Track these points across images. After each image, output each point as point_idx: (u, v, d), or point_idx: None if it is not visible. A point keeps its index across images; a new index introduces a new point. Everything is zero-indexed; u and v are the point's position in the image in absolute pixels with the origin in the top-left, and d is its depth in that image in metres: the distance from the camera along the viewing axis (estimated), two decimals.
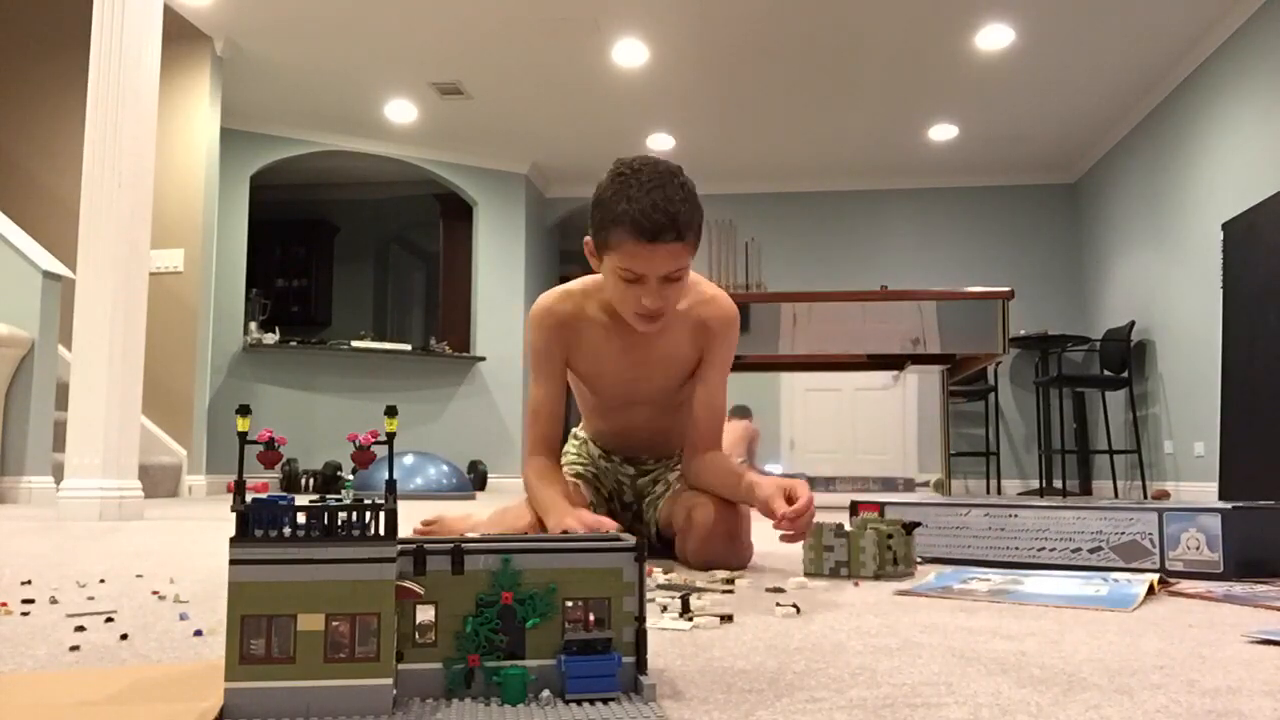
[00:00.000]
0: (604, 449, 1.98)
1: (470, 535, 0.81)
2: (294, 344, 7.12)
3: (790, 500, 1.52)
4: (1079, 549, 1.65)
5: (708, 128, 7.21)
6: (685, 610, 1.14)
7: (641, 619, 0.71)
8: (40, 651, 0.90)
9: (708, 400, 1.79)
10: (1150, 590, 1.31)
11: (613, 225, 1.56)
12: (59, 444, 4.45)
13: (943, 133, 7.20)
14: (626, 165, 1.60)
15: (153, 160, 3.42)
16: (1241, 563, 1.52)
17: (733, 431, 2.24)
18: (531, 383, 1.81)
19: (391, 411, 0.68)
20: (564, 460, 1.95)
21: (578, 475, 1.93)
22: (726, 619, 1.11)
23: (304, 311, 9.12)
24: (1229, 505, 1.54)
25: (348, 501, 0.65)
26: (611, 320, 1.76)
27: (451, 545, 0.70)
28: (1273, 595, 1.32)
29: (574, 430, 2.07)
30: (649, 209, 1.52)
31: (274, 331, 7.19)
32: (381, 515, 0.65)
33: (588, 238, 1.67)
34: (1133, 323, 6.69)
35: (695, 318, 1.77)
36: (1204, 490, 5.69)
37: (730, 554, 1.68)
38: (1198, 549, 1.54)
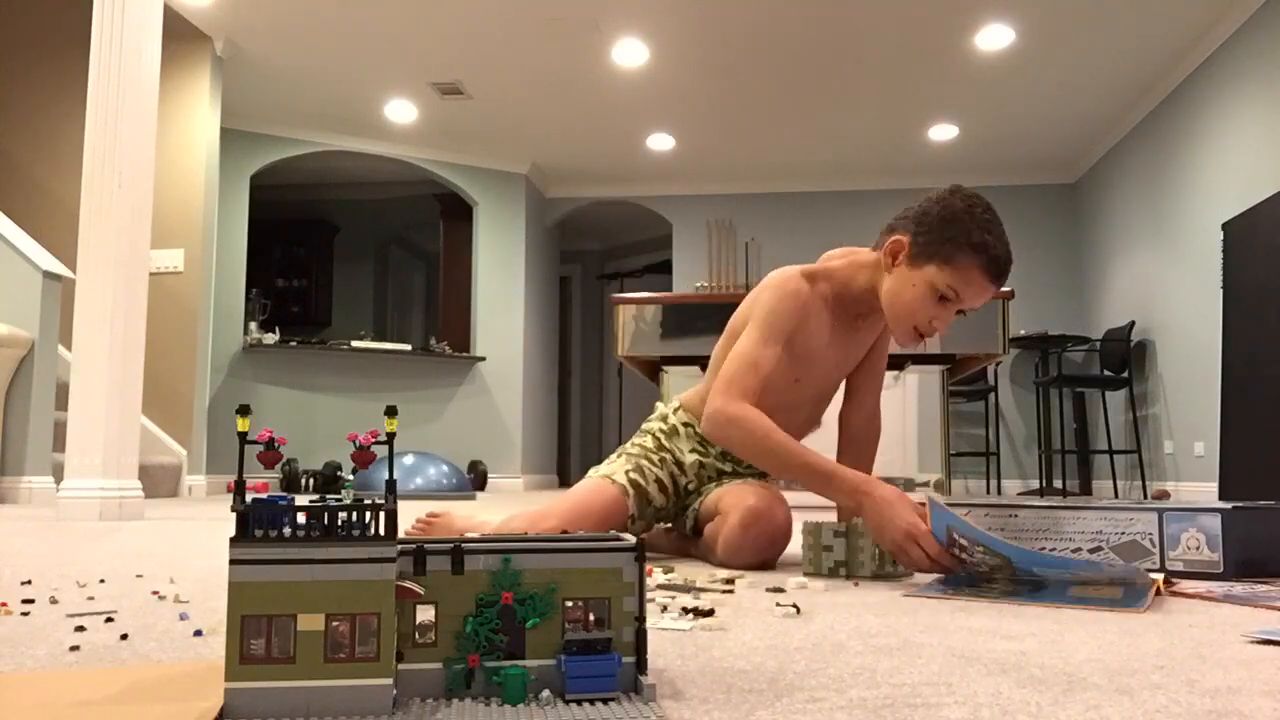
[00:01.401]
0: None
1: (470, 535, 0.81)
2: (294, 344, 7.12)
3: (920, 546, 1.45)
4: (1079, 549, 1.65)
5: (708, 128, 7.21)
6: (689, 613, 1.14)
7: (641, 619, 0.71)
8: (40, 651, 0.90)
9: (878, 368, 1.97)
10: (1156, 590, 1.31)
11: (968, 249, 1.61)
12: (59, 444, 4.45)
13: (943, 133, 7.20)
14: (978, 198, 1.65)
15: (153, 160, 3.42)
16: (1241, 563, 1.52)
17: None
18: (759, 341, 1.70)
19: (391, 411, 0.68)
20: (640, 443, 1.93)
21: (634, 483, 1.84)
22: (706, 613, 1.12)
23: (304, 311, 9.12)
24: (1229, 505, 1.54)
25: (348, 501, 0.65)
26: (832, 314, 1.81)
27: (451, 545, 0.70)
28: (1273, 595, 1.32)
29: (666, 412, 1.98)
30: (1005, 254, 1.63)
31: (274, 331, 7.19)
32: (381, 515, 0.65)
33: (901, 236, 1.67)
34: (1133, 323, 6.69)
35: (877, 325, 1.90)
36: (1204, 490, 5.69)
37: (763, 558, 1.68)
38: (1198, 549, 1.54)
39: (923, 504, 1.50)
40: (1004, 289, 3.85)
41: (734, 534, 1.66)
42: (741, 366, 1.68)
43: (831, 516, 2.02)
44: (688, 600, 1.25)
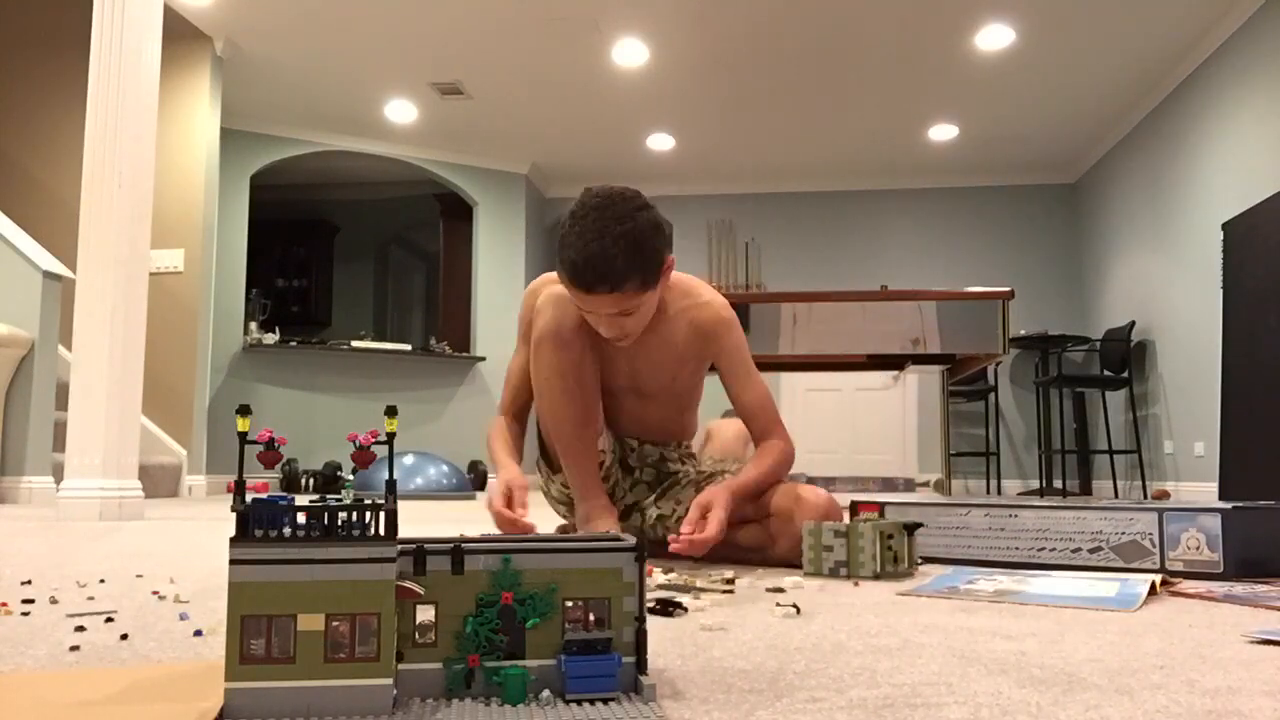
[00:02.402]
0: (617, 434, 1.97)
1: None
2: (294, 344, 7.12)
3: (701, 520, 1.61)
4: (1079, 549, 1.65)
5: (708, 128, 7.21)
6: (668, 609, 1.14)
7: (641, 619, 0.71)
8: (40, 651, 0.90)
9: (746, 396, 1.85)
10: (1152, 590, 1.31)
11: (561, 270, 1.62)
12: (59, 444, 4.45)
13: (943, 133, 7.20)
14: (581, 205, 1.62)
15: (153, 160, 3.42)
16: (1241, 562, 1.52)
17: (729, 427, 2.24)
18: (514, 352, 1.95)
19: (391, 411, 0.68)
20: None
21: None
22: (676, 606, 1.13)
23: (304, 311, 9.12)
24: (1229, 505, 1.54)
25: (348, 501, 0.65)
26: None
27: (451, 545, 0.70)
28: (1273, 595, 1.32)
29: None
30: (583, 263, 1.56)
31: (274, 331, 7.19)
32: (381, 515, 0.65)
33: None
34: (1133, 323, 6.70)
35: (688, 321, 1.83)
36: (1204, 490, 5.69)
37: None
38: (1198, 549, 1.54)
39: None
40: (1003, 289, 3.85)
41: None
42: (504, 383, 1.96)
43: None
44: (706, 604, 1.25)
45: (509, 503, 1.69)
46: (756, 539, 1.79)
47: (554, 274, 1.86)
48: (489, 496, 1.74)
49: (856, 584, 1.47)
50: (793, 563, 1.72)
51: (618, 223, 1.57)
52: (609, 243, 1.56)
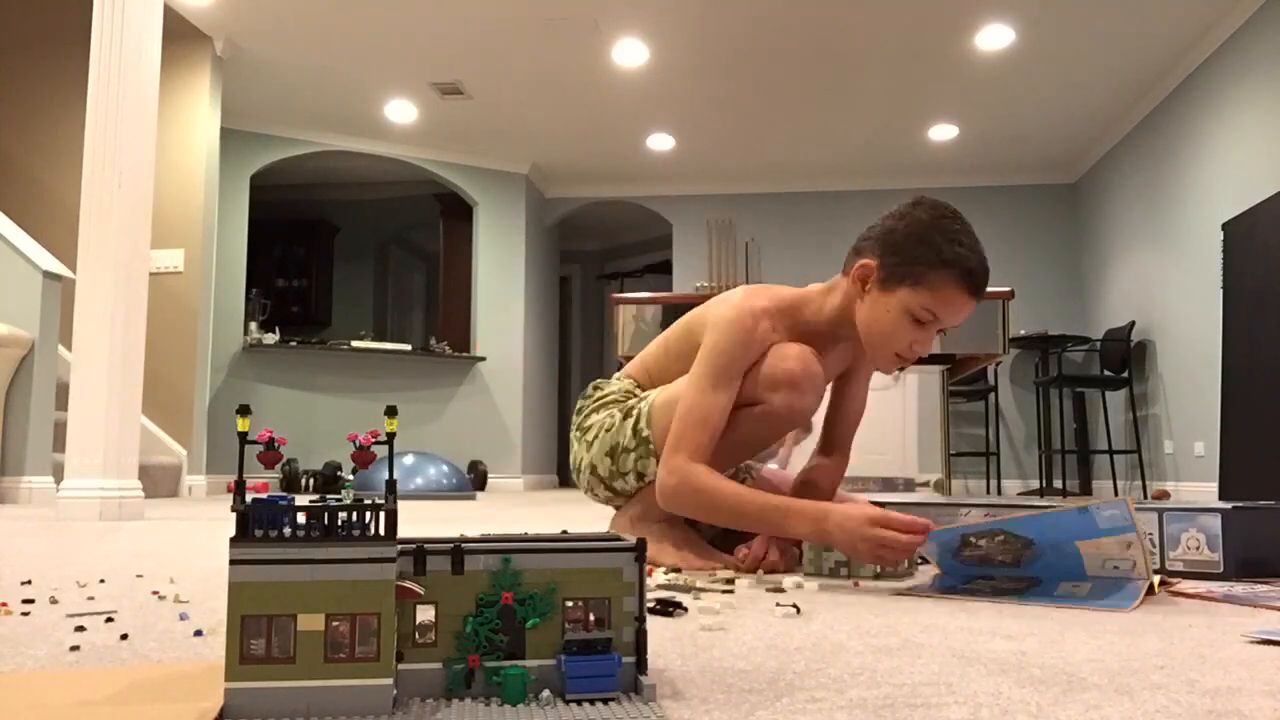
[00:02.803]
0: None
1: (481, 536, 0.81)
2: (294, 344, 7.12)
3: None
4: None
5: (708, 128, 7.22)
6: (667, 610, 1.14)
7: (641, 619, 0.71)
8: (40, 651, 0.90)
9: (854, 405, 1.84)
10: (1150, 590, 1.31)
11: (939, 267, 1.51)
12: (59, 444, 4.45)
13: (943, 133, 7.20)
14: (946, 209, 1.55)
15: (153, 160, 3.42)
16: (1241, 562, 1.53)
17: None
18: (707, 387, 1.60)
19: (391, 411, 0.68)
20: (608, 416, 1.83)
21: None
22: (676, 606, 1.12)
23: (304, 311, 9.12)
24: (1229, 505, 1.54)
25: (348, 501, 0.65)
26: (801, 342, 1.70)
27: (451, 545, 0.70)
28: (1273, 595, 1.32)
29: (618, 386, 1.90)
30: (981, 265, 1.52)
31: (274, 331, 7.19)
32: (381, 515, 0.65)
33: (867, 262, 1.59)
34: (1133, 323, 6.70)
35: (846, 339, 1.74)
36: (1204, 490, 5.69)
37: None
38: (1198, 549, 1.54)
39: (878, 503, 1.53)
40: (1004, 289, 3.85)
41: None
42: (690, 423, 1.58)
43: None
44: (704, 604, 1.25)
45: (904, 525, 1.39)
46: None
47: (758, 298, 1.67)
48: (862, 526, 1.39)
49: (857, 584, 1.47)
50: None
51: (972, 235, 1.56)
52: (984, 253, 1.55)
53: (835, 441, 1.84)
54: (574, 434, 1.88)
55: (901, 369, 1.67)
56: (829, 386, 1.82)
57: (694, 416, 1.58)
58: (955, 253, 1.50)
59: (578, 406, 1.91)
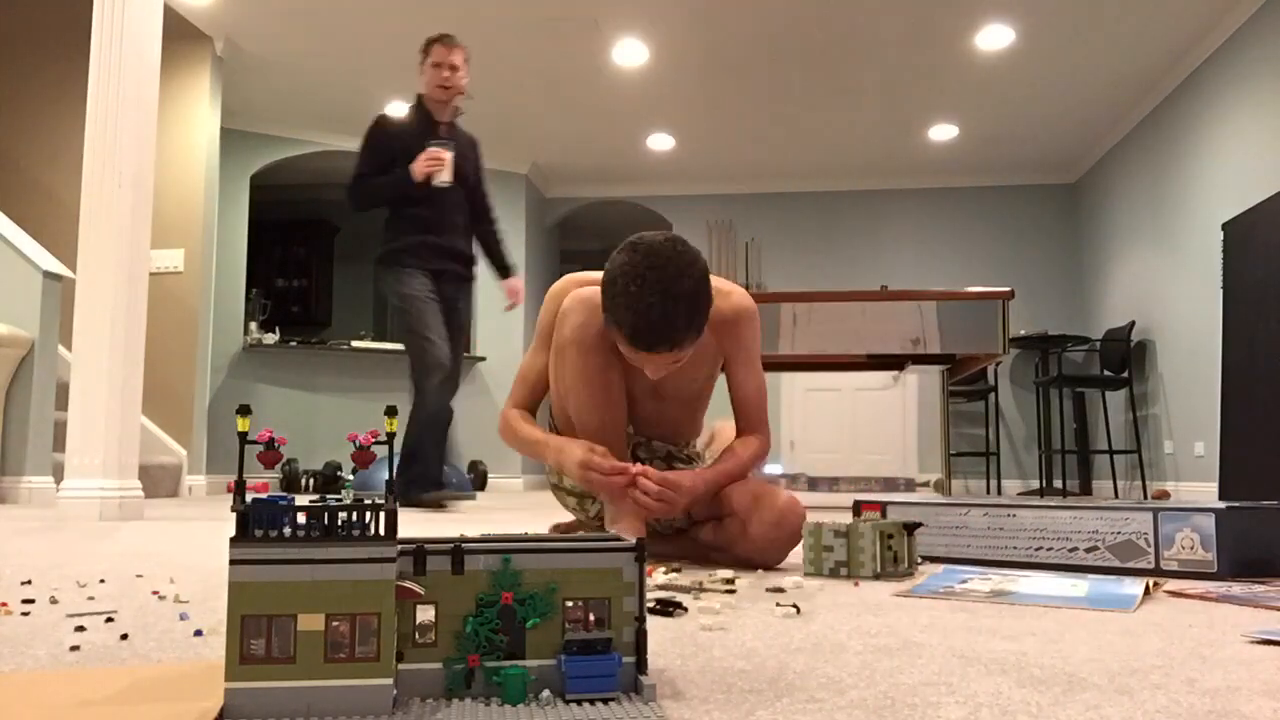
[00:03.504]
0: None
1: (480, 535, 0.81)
2: (294, 344, 7.12)
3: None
4: (1076, 549, 1.65)
5: (708, 128, 7.21)
6: (667, 610, 1.14)
7: (641, 619, 0.71)
8: (40, 651, 0.90)
9: (745, 387, 1.88)
10: (1145, 592, 1.32)
11: (613, 322, 1.60)
12: (59, 444, 4.45)
13: (943, 133, 7.20)
14: (637, 262, 1.57)
15: (153, 160, 3.42)
16: (1236, 562, 1.53)
17: (729, 429, 2.25)
18: (530, 351, 1.92)
19: (391, 411, 0.68)
20: None
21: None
22: (676, 606, 1.12)
23: (304, 311, 9.12)
24: (1223, 505, 1.54)
25: (348, 501, 0.65)
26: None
27: (451, 545, 0.70)
28: (1271, 595, 1.32)
29: None
30: (645, 327, 1.55)
31: (274, 331, 7.19)
32: (381, 515, 0.65)
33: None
34: (1133, 323, 6.70)
35: (712, 314, 1.79)
36: (1204, 490, 5.69)
37: (789, 550, 1.73)
38: (1192, 549, 1.54)
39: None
40: (1004, 289, 3.85)
41: (768, 530, 1.70)
42: (516, 381, 1.94)
43: (833, 517, 2.03)
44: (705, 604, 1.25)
45: (607, 468, 1.64)
46: (717, 537, 1.81)
47: (579, 275, 1.91)
48: (575, 466, 1.67)
49: (857, 584, 1.47)
50: (755, 562, 1.71)
51: (675, 283, 1.55)
52: (669, 306, 1.54)
53: (749, 425, 1.89)
54: (545, 471, 2.05)
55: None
56: (723, 378, 1.94)
57: (520, 376, 1.93)
58: (619, 316, 1.57)
59: None
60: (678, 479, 1.67)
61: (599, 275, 1.80)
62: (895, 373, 4.86)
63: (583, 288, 1.82)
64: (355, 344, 7.27)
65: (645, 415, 1.92)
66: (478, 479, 7.37)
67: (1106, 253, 7.43)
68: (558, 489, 1.97)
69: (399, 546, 0.66)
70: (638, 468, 1.65)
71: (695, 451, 2.04)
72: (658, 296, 1.54)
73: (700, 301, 1.58)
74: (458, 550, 0.69)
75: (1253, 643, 0.99)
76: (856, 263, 8.24)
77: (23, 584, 1.42)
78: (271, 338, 7.02)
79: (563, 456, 1.71)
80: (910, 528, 1.59)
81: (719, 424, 2.33)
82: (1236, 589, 1.38)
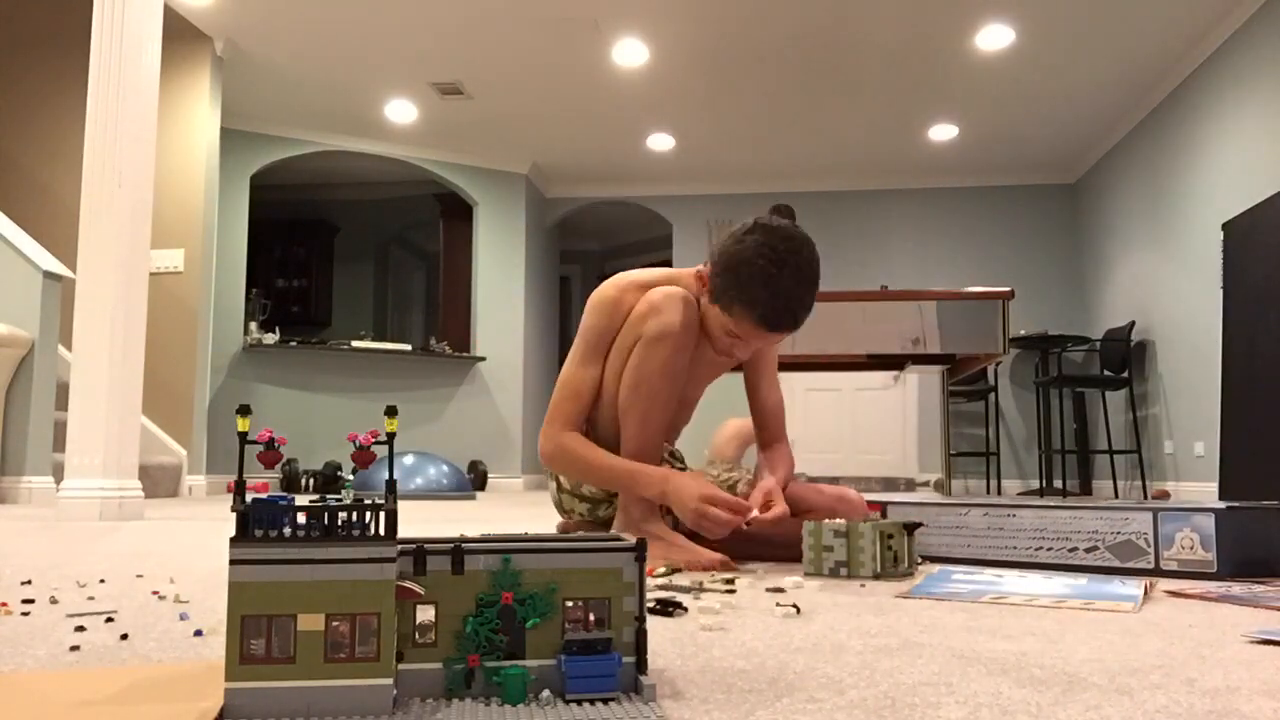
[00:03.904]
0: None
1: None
2: (294, 344, 7.12)
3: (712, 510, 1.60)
4: (1075, 548, 1.65)
5: (708, 128, 7.22)
6: (663, 608, 1.14)
7: (642, 619, 0.71)
8: (40, 651, 0.90)
9: (770, 399, 1.91)
10: (1144, 592, 1.32)
11: (743, 303, 1.61)
12: (59, 444, 4.45)
13: (943, 133, 7.20)
14: (774, 247, 1.60)
15: (153, 160, 3.42)
16: (1235, 562, 1.53)
17: (723, 431, 2.26)
18: (578, 362, 1.78)
19: (391, 411, 0.68)
20: None
21: None
22: (676, 606, 1.13)
23: (304, 311, 9.12)
24: (1223, 505, 1.54)
25: (348, 501, 0.65)
26: None
27: (451, 545, 0.70)
28: (1272, 595, 1.32)
29: None
30: (782, 309, 1.60)
31: (274, 331, 7.20)
32: (381, 515, 0.65)
33: (704, 268, 1.71)
34: (1133, 323, 6.70)
35: None
36: (1204, 490, 5.69)
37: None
38: (1192, 549, 1.54)
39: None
40: (1004, 289, 3.85)
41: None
42: (563, 396, 1.77)
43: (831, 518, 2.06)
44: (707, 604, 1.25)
45: (730, 505, 1.57)
46: (788, 534, 1.80)
47: (630, 276, 1.81)
48: (692, 499, 1.57)
49: (863, 585, 1.47)
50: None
51: (809, 266, 1.63)
52: (804, 289, 1.62)
53: (768, 433, 1.92)
54: (545, 472, 1.99)
55: (732, 358, 1.78)
56: (745, 382, 1.94)
57: (567, 390, 1.77)
58: (755, 295, 1.60)
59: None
60: (782, 509, 1.64)
61: (658, 272, 1.81)
62: (895, 373, 4.86)
63: (664, 286, 1.75)
64: (355, 344, 7.27)
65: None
66: (477, 479, 7.37)
67: (1106, 253, 7.43)
68: (569, 493, 1.92)
69: (399, 546, 0.66)
70: (753, 507, 1.60)
71: (678, 451, 2.08)
72: (794, 279, 1.60)
73: (816, 282, 1.66)
74: (458, 550, 0.69)
75: (1253, 643, 0.99)
76: (856, 263, 8.24)
77: (23, 584, 1.42)
78: (271, 338, 7.03)
79: (669, 486, 1.61)
80: (910, 528, 1.59)
81: (734, 422, 2.32)
82: (1236, 589, 1.38)
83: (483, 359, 7.74)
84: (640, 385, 1.71)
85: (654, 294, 1.72)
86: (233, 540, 0.63)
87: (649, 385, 1.70)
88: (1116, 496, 6.93)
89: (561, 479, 1.92)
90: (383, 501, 0.65)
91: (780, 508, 1.63)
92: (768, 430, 1.91)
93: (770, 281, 1.59)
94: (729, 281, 1.62)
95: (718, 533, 1.57)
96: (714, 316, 1.70)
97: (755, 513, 1.59)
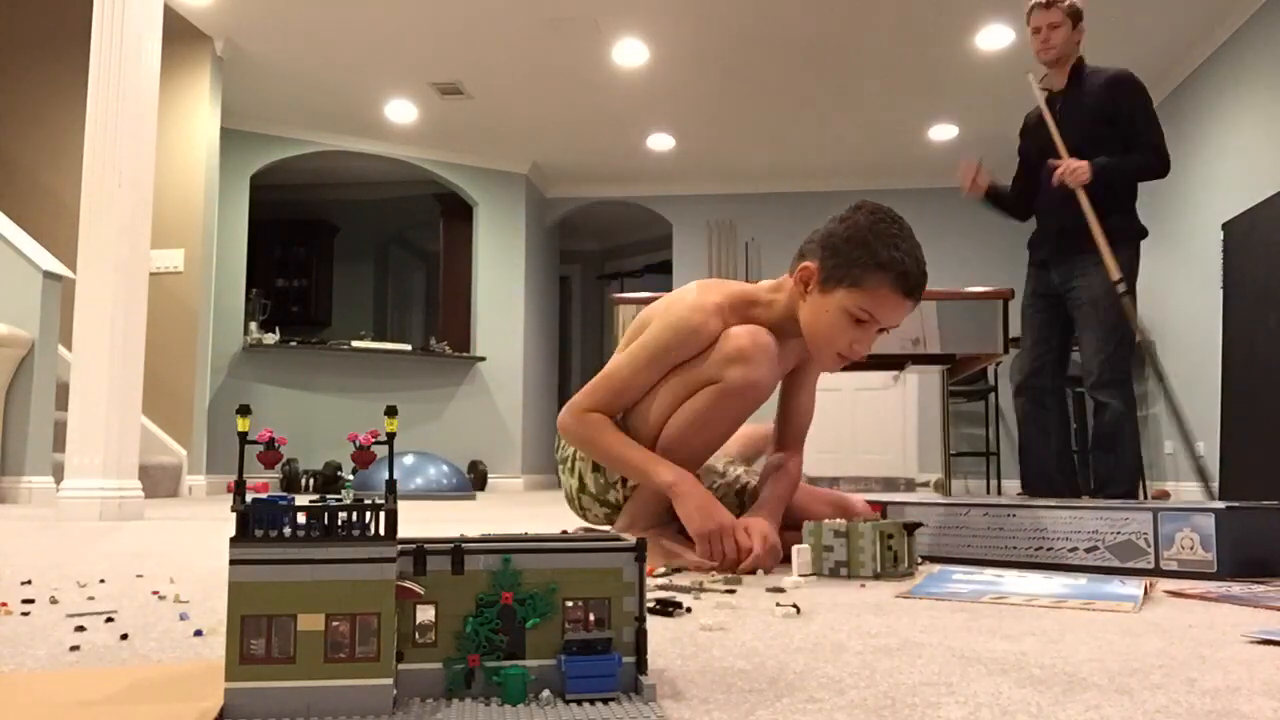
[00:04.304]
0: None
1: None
2: (294, 344, 7.12)
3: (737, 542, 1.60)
4: (1075, 548, 1.65)
5: (708, 128, 7.22)
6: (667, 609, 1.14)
7: (642, 619, 0.71)
8: (40, 651, 0.90)
9: (805, 404, 1.90)
10: (1144, 592, 1.32)
11: (875, 269, 1.58)
12: (59, 444, 4.45)
13: (943, 133, 7.20)
14: (885, 212, 1.62)
15: (153, 160, 3.42)
16: (1235, 562, 1.53)
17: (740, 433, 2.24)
18: (634, 366, 1.71)
19: (391, 411, 0.68)
20: None
21: None
22: (676, 606, 1.13)
23: (304, 311, 9.12)
24: (1223, 505, 1.54)
25: (348, 501, 0.65)
26: None
27: (451, 545, 0.70)
28: (1272, 595, 1.32)
29: None
30: (916, 267, 1.60)
31: (274, 331, 7.20)
32: (381, 515, 0.65)
33: (809, 264, 1.66)
34: None
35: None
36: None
37: None
38: (1192, 549, 1.54)
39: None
40: (1004, 289, 3.85)
41: None
42: (605, 386, 1.73)
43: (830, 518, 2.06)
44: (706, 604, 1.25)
45: (738, 543, 1.57)
46: (787, 541, 1.81)
47: (711, 295, 1.72)
48: (707, 521, 1.57)
49: (863, 585, 1.47)
50: None
51: (910, 239, 1.63)
52: (921, 256, 1.62)
53: (789, 440, 1.89)
54: (559, 468, 1.96)
55: (845, 368, 1.74)
56: (779, 386, 1.88)
57: (611, 384, 1.73)
58: (890, 256, 1.58)
59: (556, 441, 1.97)
60: (777, 542, 1.63)
61: (741, 289, 1.76)
62: (895, 373, 4.86)
63: (760, 334, 1.66)
64: (355, 344, 7.27)
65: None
66: (477, 479, 7.37)
67: None
68: (591, 496, 1.87)
69: (399, 546, 0.66)
70: (757, 546, 1.58)
71: None
72: (913, 242, 1.61)
73: None
74: (458, 550, 0.69)
75: (1253, 643, 0.99)
76: None
77: (23, 584, 1.42)
78: (271, 338, 7.03)
79: (683, 486, 1.60)
80: (910, 528, 1.59)
81: (754, 428, 2.28)
82: (1236, 589, 1.38)
83: (483, 359, 7.74)
84: (705, 430, 1.67)
85: (742, 337, 1.64)
86: (233, 540, 0.63)
87: (713, 433, 1.68)
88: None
89: (586, 479, 1.87)
90: (383, 501, 0.65)
91: (763, 558, 1.58)
92: (789, 435, 1.88)
93: (896, 242, 1.58)
94: (855, 255, 1.59)
95: (714, 558, 1.57)
96: (834, 308, 1.62)
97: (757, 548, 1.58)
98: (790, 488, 1.82)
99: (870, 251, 1.58)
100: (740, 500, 1.93)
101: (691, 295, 1.72)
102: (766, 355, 1.64)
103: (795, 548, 1.58)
